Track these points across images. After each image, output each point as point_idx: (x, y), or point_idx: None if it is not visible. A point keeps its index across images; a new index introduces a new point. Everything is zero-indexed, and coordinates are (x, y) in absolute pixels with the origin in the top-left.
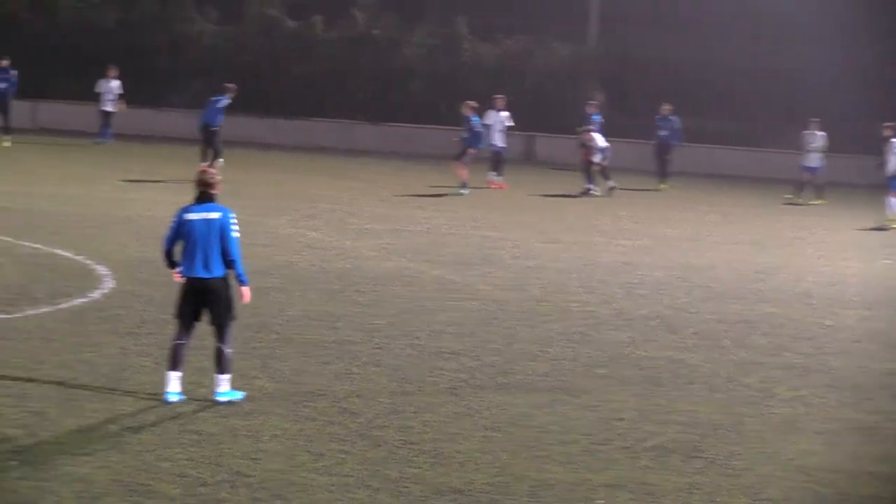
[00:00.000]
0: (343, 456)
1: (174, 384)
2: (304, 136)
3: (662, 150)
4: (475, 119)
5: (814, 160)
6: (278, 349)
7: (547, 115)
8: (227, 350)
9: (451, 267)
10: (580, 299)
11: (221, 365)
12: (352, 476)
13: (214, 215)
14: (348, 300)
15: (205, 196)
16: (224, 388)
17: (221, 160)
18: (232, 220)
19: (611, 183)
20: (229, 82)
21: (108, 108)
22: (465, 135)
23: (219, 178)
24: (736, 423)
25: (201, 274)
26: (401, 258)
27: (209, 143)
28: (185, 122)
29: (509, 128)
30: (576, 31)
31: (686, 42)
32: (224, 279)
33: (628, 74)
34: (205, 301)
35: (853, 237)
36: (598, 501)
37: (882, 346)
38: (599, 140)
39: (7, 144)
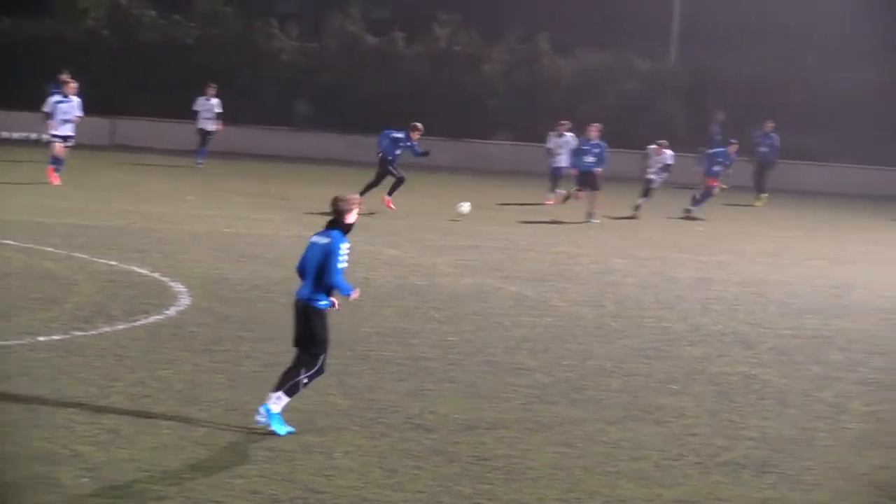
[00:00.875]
0: (416, 472)
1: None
2: None
3: (763, 167)
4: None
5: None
6: (353, 366)
7: (624, 130)
8: (301, 376)
9: (527, 283)
10: (655, 315)
11: (284, 383)
12: (425, 492)
13: (325, 240)
14: (423, 316)
15: (331, 222)
16: (275, 406)
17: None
18: (341, 249)
19: (640, 201)
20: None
21: (208, 126)
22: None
23: (350, 207)
24: (808, 438)
25: (300, 295)
26: (477, 274)
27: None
28: (264, 137)
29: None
30: (656, 47)
31: (766, 57)
32: (313, 305)
33: (708, 90)
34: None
35: None
36: None
37: None
38: (668, 157)
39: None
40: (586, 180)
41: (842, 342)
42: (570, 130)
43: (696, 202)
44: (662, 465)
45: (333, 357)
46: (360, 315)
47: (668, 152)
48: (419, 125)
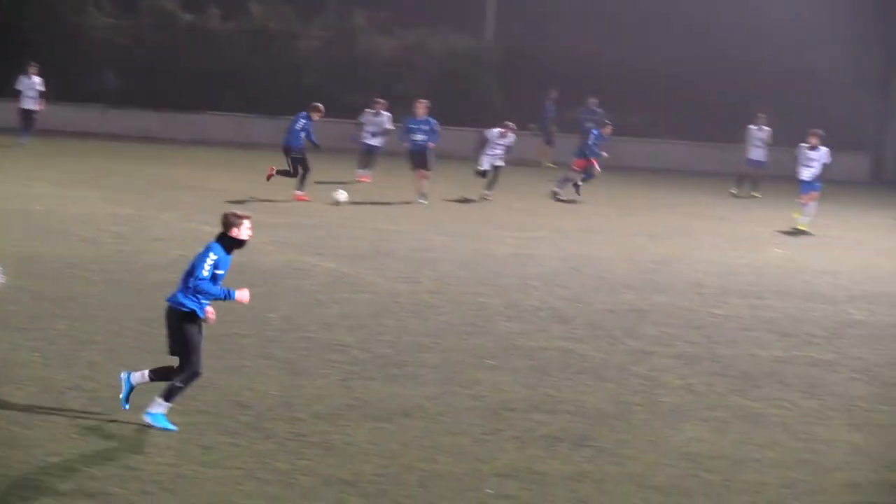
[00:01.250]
0: (233, 448)
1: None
2: (199, 130)
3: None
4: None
5: (758, 154)
6: None
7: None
8: (175, 381)
9: (344, 260)
10: (472, 291)
11: (166, 390)
12: (242, 469)
13: (201, 249)
14: None
15: (219, 234)
16: (155, 409)
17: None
18: (208, 255)
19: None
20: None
21: (30, 105)
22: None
23: (236, 221)
24: (625, 411)
25: (167, 299)
26: (294, 251)
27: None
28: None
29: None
30: (473, 24)
31: (584, 35)
32: (176, 308)
33: (524, 66)
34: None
35: (749, 229)
36: (488, 491)
37: (770, 335)
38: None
39: None
40: (417, 159)
41: (657, 317)
42: (387, 109)
43: (582, 180)
44: (480, 439)
45: (149, 334)
46: None
47: (513, 135)
48: (320, 105)
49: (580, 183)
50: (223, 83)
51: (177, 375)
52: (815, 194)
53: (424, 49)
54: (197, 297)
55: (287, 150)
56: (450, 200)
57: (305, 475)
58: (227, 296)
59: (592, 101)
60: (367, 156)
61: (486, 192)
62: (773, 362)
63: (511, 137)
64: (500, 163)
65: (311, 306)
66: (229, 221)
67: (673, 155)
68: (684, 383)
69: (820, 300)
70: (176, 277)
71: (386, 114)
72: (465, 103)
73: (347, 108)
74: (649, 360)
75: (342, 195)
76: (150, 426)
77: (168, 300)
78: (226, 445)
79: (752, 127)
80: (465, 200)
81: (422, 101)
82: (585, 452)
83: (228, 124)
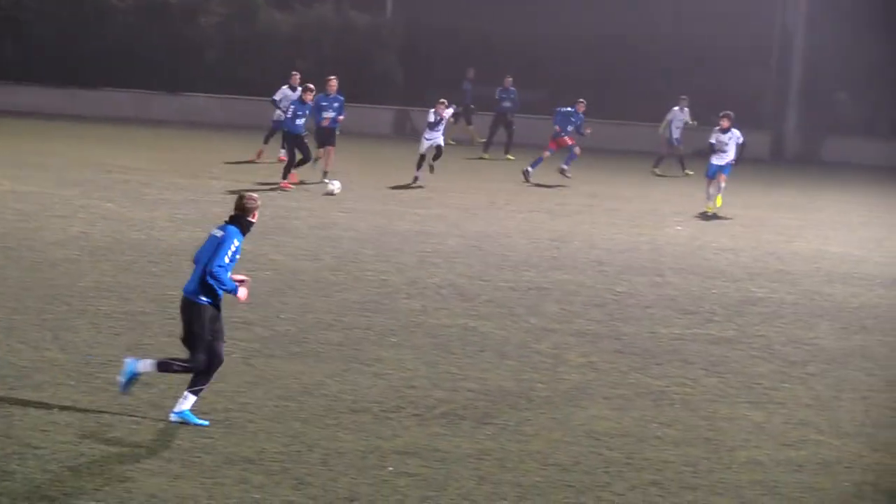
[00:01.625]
0: (134, 427)
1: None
2: (99, 106)
3: (506, 121)
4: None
5: (679, 134)
6: (70, 320)
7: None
8: (176, 366)
9: (245, 237)
10: (374, 268)
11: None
12: (143, 446)
13: (220, 233)
14: (142, 271)
15: (232, 217)
16: (183, 405)
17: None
18: (232, 243)
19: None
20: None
21: None
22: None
23: (255, 205)
24: (527, 389)
25: (185, 290)
26: (195, 228)
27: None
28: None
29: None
30: (373, 1)
31: (486, 12)
32: (195, 300)
33: (424, 44)
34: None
35: (650, 205)
36: (389, 468)
37: (671, 312)
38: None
39: None
40: (326, 136)
41: (559, 294)
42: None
43: (565, 161)
44: (381, 416)
45: (50, 312)
46: (77, 270)
47: (450, 110)
48: (311, 86)
49: (530, 169)
50: (123, 59)
51: (184, 363)
52: (724, 177)
53: (325, 25)
54: (213, 289)
55: (286, 136)
56: (351, 177)
57: (207, 453)
58: (233, 290)
59: (508, 81)
60: (275, 132)
61: (420, 173)
62: (674, 340)
63: (447, 113)
64: (440, 141)
65: None
66: (248, 205)
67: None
68: (586, 361)
69: (721, 278)
70: (77, 255)
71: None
72: (365, 80)
73: (249, 85)
74: (551, 338)
75: (336, 185)
76: (182, 423)
77: (185, 291)
78: (127, 423)
79: (675, 108)
80: (369, 178)
81: (332, 77)
82: (487, 430)
83: (129, 101)
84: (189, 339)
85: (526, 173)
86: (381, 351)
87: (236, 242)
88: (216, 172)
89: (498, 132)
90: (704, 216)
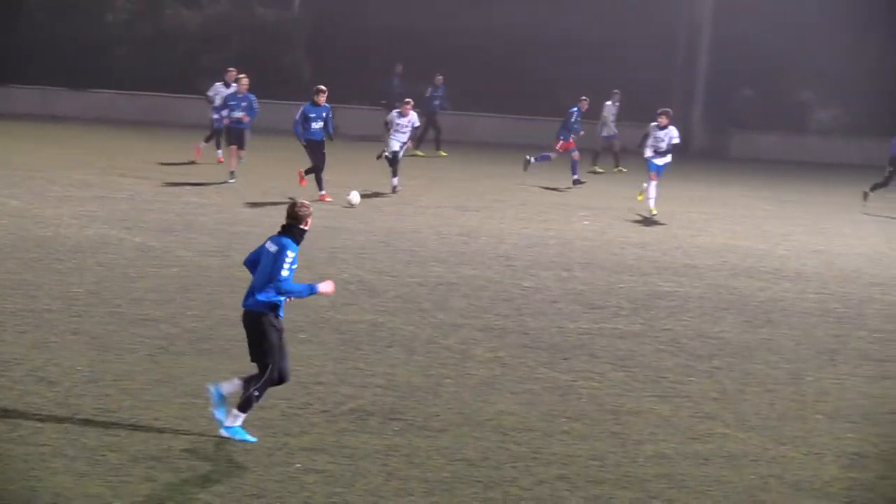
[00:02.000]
0: (39, 425)
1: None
2: (4, 103)
3: (435, 120)
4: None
5: (611, 129)
6: None
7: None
8: (251, 390)
9: (152, 233)
10: None
11: (243, 400)
12: (48, 445)
13: (274, 248)
14: (47, 269)
15: (285, 227)
16: (231, 422)
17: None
18: (287, 256)
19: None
20: None
21: None
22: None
23: (308, 213)
24: (434, 384)
25: (244, 304)
26: (101, 225)
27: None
28: None
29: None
30: None
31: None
32: (257, 311)
33: (333, 40)
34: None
35: (559, 200)
36: (297, 465)
37: (579, 307)
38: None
39: None
40: (235, 135)
41: (467, 289)
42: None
43: (573, 171)
44: (289, 413)
45: None
46: None
47: (413, 113)
48: (323, 87)
49: (532, 160)
50: (28, 54)
51: (255, 383)
52: (656, 175)
53: (231, 22)
54: (277, 297)
55: (308, 145)
56: (260, 174)
57: (113, 451)
58: (311, 291)
59: (439, 79)
60: (220, 133)
61: (395, 180)
62: (581, 334)
63: (412, 115)
64: (403, 144)
65: (119, 281)
66: (300, 213)
67: (488, 128)
68: (494, 356)
69: (628, 272)
70: (2, 256)
71: (236, 85)
72: (273, 77)
73: (156, 81)
74: (459, 333)
75: (355, 197)
76: (229, 439)
77: (244, 305)
78: (32, 422)
79: (608, 103)
80: (283, 173)
81: (243, 76)
82: (395, 426)
83: (33, 97)
84: (258, 353)
85: (526, 162)
86: (289, 347)
87: (291, 254)
88: (123, 169)
89: (429, 130)
90: (649, 220)
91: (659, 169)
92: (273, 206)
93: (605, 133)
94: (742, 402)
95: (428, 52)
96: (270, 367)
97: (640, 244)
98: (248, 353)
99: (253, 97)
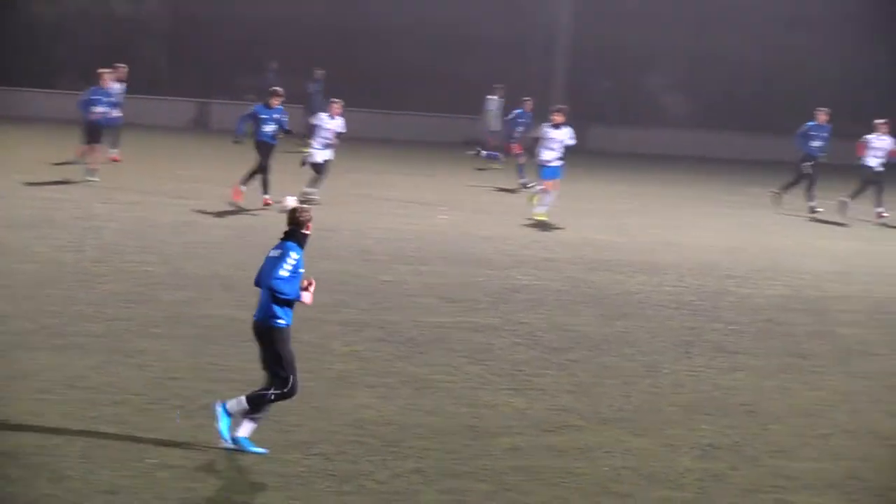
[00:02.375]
0: None
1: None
2: None
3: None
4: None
5: (497, 124)
6: None
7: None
8: (268, 394)
9: (7, 229)
10: (137, 259)
11: (252, 405)
12: None
13: (277, 252)
14: None
15: (288, 233)
16: (241, 432)
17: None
18: (290, 256)
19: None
20: None
21: None
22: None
23: (310, 217)
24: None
25: (255, 317)
26: None
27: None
28: None
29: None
30: None
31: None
32: (270, 324)
33: (193, 33)
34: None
35: (419, 195)
36: (150, 461)
37: (436, 301)
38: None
39: None
40: (95, 132)
41: (325, 283)
42: (123, 80)
43: (520, 174)
44: (143, 408)
45: None
46: None
47: (340, 116)
48: (278, 89)
49: (482, 152)
50: None
51: (271, 389)
52: (556, 182)
53: (86, 16)
54: (286, 309)
55: (256, 146)
56: (117, 169)
57: None
58: (297, 298)
59: (319, 73)
60: (111, 131)
61: (310, 189)
62: (438, 328)
63: (340, 119)
64: (330, 153)
65: None
66: (301, 218)
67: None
68: (351, 350)
69: (486, 266)
70: None
71: (118, 85)
72: (130, 71)
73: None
74: (317, 328)
75: (292, 201)
76: (239, 451)
77: (256, 317)
78: None
79: (491, 97)
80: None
81: (105, 71)
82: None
83: None
84: (270, 364)
85: (524, 185)
86: (144, 342)
87: (294, 255)
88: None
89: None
90: (507, 214)
91: (555, 175)
92: (130, 202)
93: (491, 128)
94: (598, 394)
95: (301, 44)
96: (292, 381)
97: (498, 238)
98: (98, 347)
99: (116, 91)
